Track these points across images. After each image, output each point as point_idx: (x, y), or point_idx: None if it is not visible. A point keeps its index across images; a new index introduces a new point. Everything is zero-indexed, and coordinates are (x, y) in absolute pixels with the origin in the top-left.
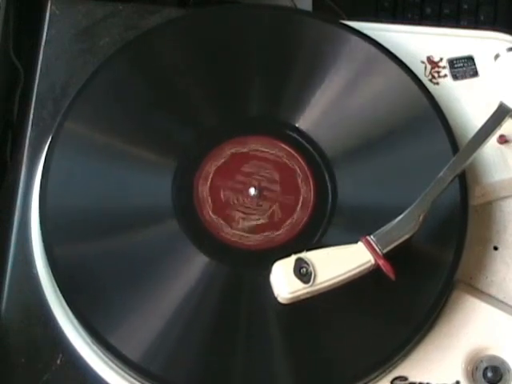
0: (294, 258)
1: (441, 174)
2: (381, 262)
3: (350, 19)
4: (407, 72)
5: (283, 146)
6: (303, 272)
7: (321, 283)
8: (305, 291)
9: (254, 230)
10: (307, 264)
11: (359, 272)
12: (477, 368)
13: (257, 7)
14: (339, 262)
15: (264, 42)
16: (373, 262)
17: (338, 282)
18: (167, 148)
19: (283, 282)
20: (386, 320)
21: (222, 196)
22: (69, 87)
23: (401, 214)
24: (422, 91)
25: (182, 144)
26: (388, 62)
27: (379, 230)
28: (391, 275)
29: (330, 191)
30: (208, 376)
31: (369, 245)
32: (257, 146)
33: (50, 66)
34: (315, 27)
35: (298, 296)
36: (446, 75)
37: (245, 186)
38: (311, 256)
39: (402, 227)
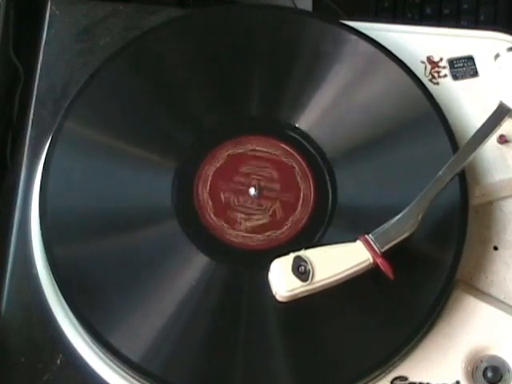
0: (292, 256)
1: (440, 173)
2: (379, 261)
3: (349, 19)
4: (407, 72)
5: (283, 145)
6: (301, 270)
7: (319, 281)
8: (303, 289)
9: (256, 230)
10: (305, 262)
11: (357, 271)
12: (477, 368)
13: (257, 7)
14: (337, 261)
15: (264, 42)
16: (371, 260)
17: (337, 281)
18: (167, 148)
19: (281, 280)
20: (386, 320)
21: (222, 198)
22: (69, 87)
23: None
24: (422, 91)
25: (182, 144)
26: (388, 62)
27: (378, 229)
28: (390, 274)
29: (329, 189)
30: (208, 376)
31: (367, 243)
32: (254, 145)
33: (50, 66)
34: (315, 27)
35: (296, 294)
36: (446, 75)
37: (244, 187)
38: (309, 254)
39: (400, 226)
